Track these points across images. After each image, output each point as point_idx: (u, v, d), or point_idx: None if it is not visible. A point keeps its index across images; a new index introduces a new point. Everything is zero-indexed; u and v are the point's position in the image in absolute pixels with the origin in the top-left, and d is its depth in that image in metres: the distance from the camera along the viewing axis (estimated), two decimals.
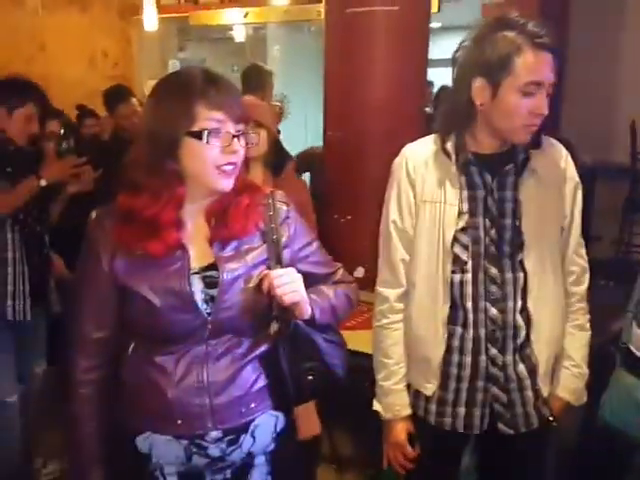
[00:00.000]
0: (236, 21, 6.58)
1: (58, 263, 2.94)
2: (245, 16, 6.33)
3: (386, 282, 1.67)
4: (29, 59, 5.34)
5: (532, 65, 1.44)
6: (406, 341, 1.67)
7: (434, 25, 4.14)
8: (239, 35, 7.11)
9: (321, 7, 5.45)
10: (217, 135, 1.27)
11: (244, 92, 3.06)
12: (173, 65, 6.46)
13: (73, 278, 2.72)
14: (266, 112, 2.23)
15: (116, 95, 3.89)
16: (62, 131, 2.91)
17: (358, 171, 3.09)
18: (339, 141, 3.19)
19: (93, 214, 1.38)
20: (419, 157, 1.61)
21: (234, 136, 1.29)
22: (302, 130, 5.49)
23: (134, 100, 3.89)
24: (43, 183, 2.54)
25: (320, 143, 3.43)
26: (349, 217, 3.17)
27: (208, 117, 1.27)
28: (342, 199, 3.19)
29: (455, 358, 1.60)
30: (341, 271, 1.55)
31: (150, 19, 5.40)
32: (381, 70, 3.04)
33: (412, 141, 1.68)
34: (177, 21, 6.48)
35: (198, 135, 1.26)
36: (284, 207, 1.45)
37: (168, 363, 1.34)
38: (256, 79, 4.30)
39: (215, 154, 1.28)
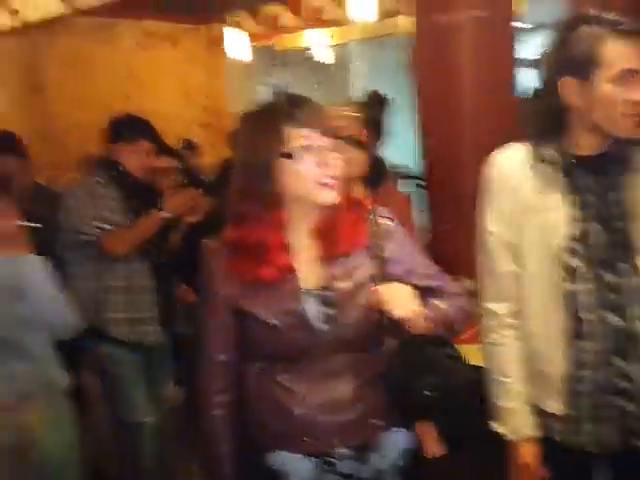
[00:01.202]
0: (319, 42, 6.70)
1: (183, 289, 3.09)
2: (329, 37, 6.44)
3: (492, 296, 1.60)
4: (128, 95, 5.65)
5: (619, 53, 1.39)
6: (523, 357, 1.59)
7: (522, 25, 4.05)
8: (322, 55, 7.22)
9: (399, 20, 5.50)
10: (309, 151, 1.30)
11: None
12: (261, 91, 6.63)
13: (197, 302, 2.88)
14: (364, 131, 2.25)
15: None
16: (179, 165, 3.06)
17: (456, 179, 3.05)
18: (435, 150, 3.17)
19: (206, 244, 1.44)
20: (513, 164, 1.55)
21: (326, 149, 1.31)
22: (390, 144, 5.48)
23: None
24: (165, 215, 2.67)
25: (408, 155, 3.43)
26: (448, 226, 3.13)
27: (297, 136, 1.30)
28: (441, 208, 3.16)
29: (578, 372, 1.52)
30: (452, 283, 1.53)
31: (236, 49, 5.58)
32: (471, 77, 3.00)
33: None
34: (263, 48, 6.66)
35: (291, 155, 1.30)
36: (388, 222, 1.45)
37: (291, 382, 1.37)
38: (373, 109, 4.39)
39: (311, 169, 1.31)
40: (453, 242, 3.08)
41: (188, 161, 4.25)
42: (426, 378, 1.34)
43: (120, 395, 2.71)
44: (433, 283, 1.49)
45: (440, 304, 1.44)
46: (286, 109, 1.32)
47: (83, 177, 2.73)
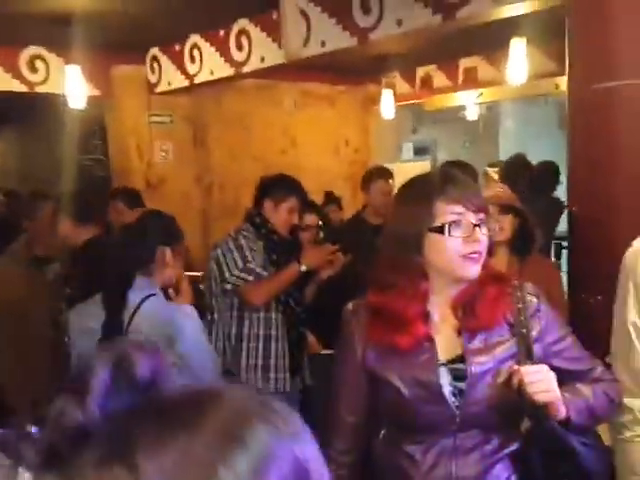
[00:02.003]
0: (469, 101, 6.70)
1: (312, 339, 3.18)
2: (479, 96, 6.43)
3: (629, 391, 1.50)
4: (282, 151, 5.99)
5: None
6: None
7: None
8: (471, 114, 7.21)
9: (559, 80, 5.37)
10: (458, 226, 1.32)
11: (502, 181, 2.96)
12: (407, 147, 6.74)
13: (325, 354, 2.95)
14: (512, 196, 2.22)
15: (377, 173, 3.92)
16: (320, 223, 3.18)
17: (608, 248, 2.88)
18: (586, 217, 3.03)
19: (349, 306, 1.48)
20: None
21: (475, 225, 1.32)
22: None
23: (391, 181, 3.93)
24: (303, 269, 2.80)
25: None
26: (599, 297, 2.95)
27: (448, 211, 1.32)
28: (591, 278, 2.99)
29: None
30: (600, 368, 1.45)
31: (388, 108, 5.74)
32: (630, 144, 2.85)
33: None
34: (411, 107, 6.79)
35: (440, 230, 1.32)
36: (534, 299, 1.41)
37: (417, 452, 1.36)
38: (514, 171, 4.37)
39: (458, 245, 1.32)
40: (601, 313, 2.90)
41: (329, 216, 4.36)
42: (564, 466, 1.26)
43: None
44: (579, 367, 1.42)
45: (584, 390, 1.37)
46: (440, 185, 1.35)
47: (235, 229, 2.91)
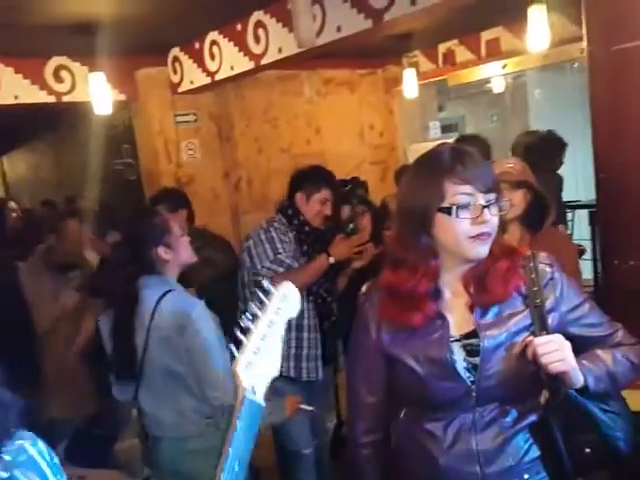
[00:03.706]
0: (494, 74, 6.58)
1: (345, 328, 3.21)
2: (503, 67, 6.31)
3: None
4: (307, 140, 6.00)
5: None
6: None
7: None
8: (497, 86, 7.09)
9: (584, 45, 5.21)
10: (467, 208, 1.31)
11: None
12: (434, 126, 6.66)
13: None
14: (526, 171, 2.20)
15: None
16: (349, 214, 3.21)
17: (636, 213, 2.83)
18: (612, 183, 2.97)
19: (363, 288, 1.50)
20: None
21: (484, 206, 1.31)
22: (572, 175, 5.21)
23: None
24: (332, 261, 2.84)
25: (591, 186, 3.24)
26: (632, 263, 2.90)
27: (457, 192, 1.32)
28: (622, 244, 2.94)
29: None
30: (621, 332, 1.44)
31: (410, 88, 5.69)
32: None
33: None
34: (435, 84, 6.71)
35: (448, 211, 1.32)
36: (547, 268, 1.41)
37: (437, 429, 1.38)
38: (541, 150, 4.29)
39: (466, 226, 1.32)
40: (635, 278, 2.85)
41: (363, 196, 4.35)
42: (584, 435, 1.26)
43: (282, 426, 2.86)
44: (599, 332, 1.41)
45: (604, 356, 1.36)
46: (449, 164, 1.34)
47: (267, 220, 2.95)
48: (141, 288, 2.12)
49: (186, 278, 2.30)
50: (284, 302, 1.12)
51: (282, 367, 2.83)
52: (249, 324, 1.07)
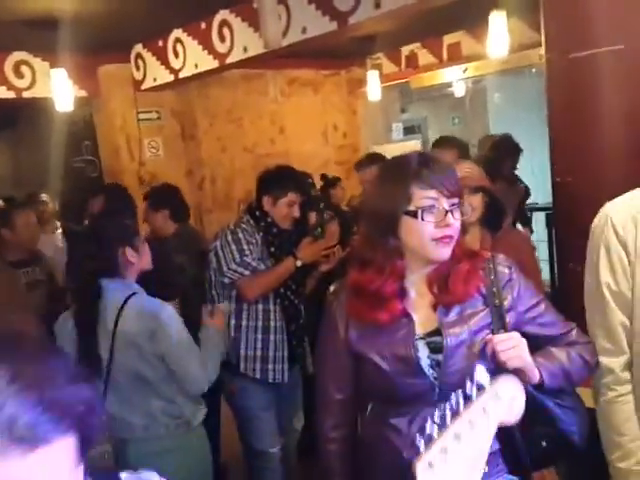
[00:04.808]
0: (455, 78, 6.71)
1: (312, 330, 3.23)
2: (464, 71, 6.44)
3: (606, 351, 1.52)
4: (272, 140, 6.02)
5: None
6: (638, 414, 1.51)
7: None
8: (458, 90, 7.22)
9: (542, 50, 5.37)
10: (431, 212, 1.36)
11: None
12: (396, 128, 6.76)
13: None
14: (482, 175, 2.27)
15: (369, 160, 4.03)
16: (317, 218, 3.22)
17: (591, 218, 2.93)
18: (568, 186, 3.07)
19: (332, 288, 1.54)
20: (625, 215, 1.50)
21: (448, 211, 1.36)
22: (529, 177, 5.35)
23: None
24: (299, 264, 2.85)
25: (548, 189, 3.34)
26: (574, 265, 3.01)
27: (422, 196, 1.37)
28: (576, 247, 3.03)
29: None
30: (575, 331, 1.50)
31: (374, 89, 5.76)
32: (610, 112, 2.88)
33: None
34: (398, 86, 6.80)
35: (414, 214, 1.37)
36: (506, 270, 1.47)
37: (402, 424, 1.42)
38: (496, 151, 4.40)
39: (430, 229, 1.37)
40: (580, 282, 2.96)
41: (328, 198, 4.38)
42: (541, 429, 1.32)
43: (249, 425, 2.88)
44: (554, 331, 1.48)
45: (558, 354, 1.42)
46: (416, 169, 1.38)
47: (235, 221, 2.94)
48: (103, 291, 2.08)
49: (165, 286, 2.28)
50: (494, 401, 0.90)
51: (248, 370, 2.86)
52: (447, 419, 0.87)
